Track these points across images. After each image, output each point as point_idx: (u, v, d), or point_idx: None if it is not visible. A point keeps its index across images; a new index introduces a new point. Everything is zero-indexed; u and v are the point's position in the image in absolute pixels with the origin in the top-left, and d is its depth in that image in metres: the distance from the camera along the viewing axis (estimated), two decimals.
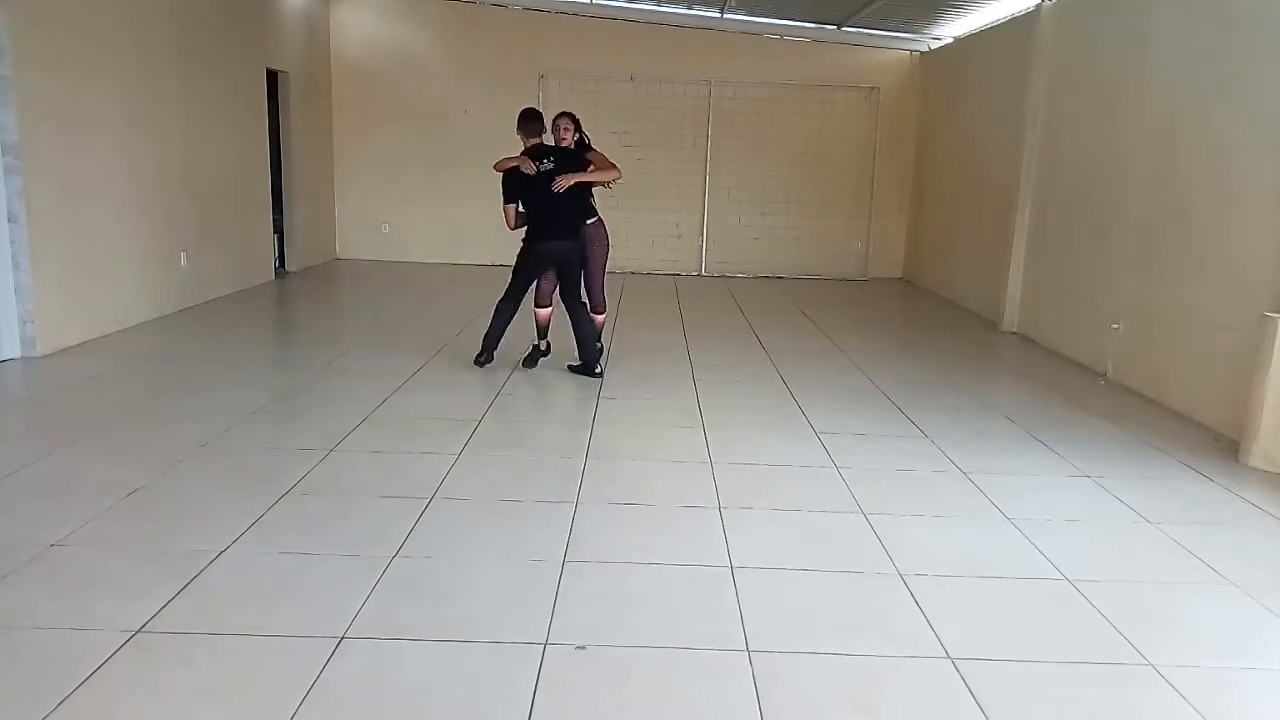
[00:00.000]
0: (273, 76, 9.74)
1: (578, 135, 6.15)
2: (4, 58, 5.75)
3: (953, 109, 10.79)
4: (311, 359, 6.54)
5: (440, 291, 9.89)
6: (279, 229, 10.22)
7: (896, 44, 11.63)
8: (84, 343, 6.54)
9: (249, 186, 9.22)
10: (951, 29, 10.80)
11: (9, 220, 5.90)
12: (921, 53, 11.70)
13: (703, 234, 12.00)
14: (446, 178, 11.65)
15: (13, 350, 6.01)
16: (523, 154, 6.04)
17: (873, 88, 11.71)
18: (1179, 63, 6.21)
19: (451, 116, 11.53)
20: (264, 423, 4.98)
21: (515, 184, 6.01)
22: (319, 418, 5.07)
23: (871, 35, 11.46)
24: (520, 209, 6.11)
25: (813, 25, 11.39)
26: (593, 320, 6.26)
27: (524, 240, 6.17)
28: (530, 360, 6.42)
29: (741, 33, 11.48)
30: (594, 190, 6.24)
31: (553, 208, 5.97)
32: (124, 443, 4.53)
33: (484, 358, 6.29)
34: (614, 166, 6.08)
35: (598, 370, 6.17)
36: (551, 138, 6.14)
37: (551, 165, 5.94)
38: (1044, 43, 8.19)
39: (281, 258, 10.36)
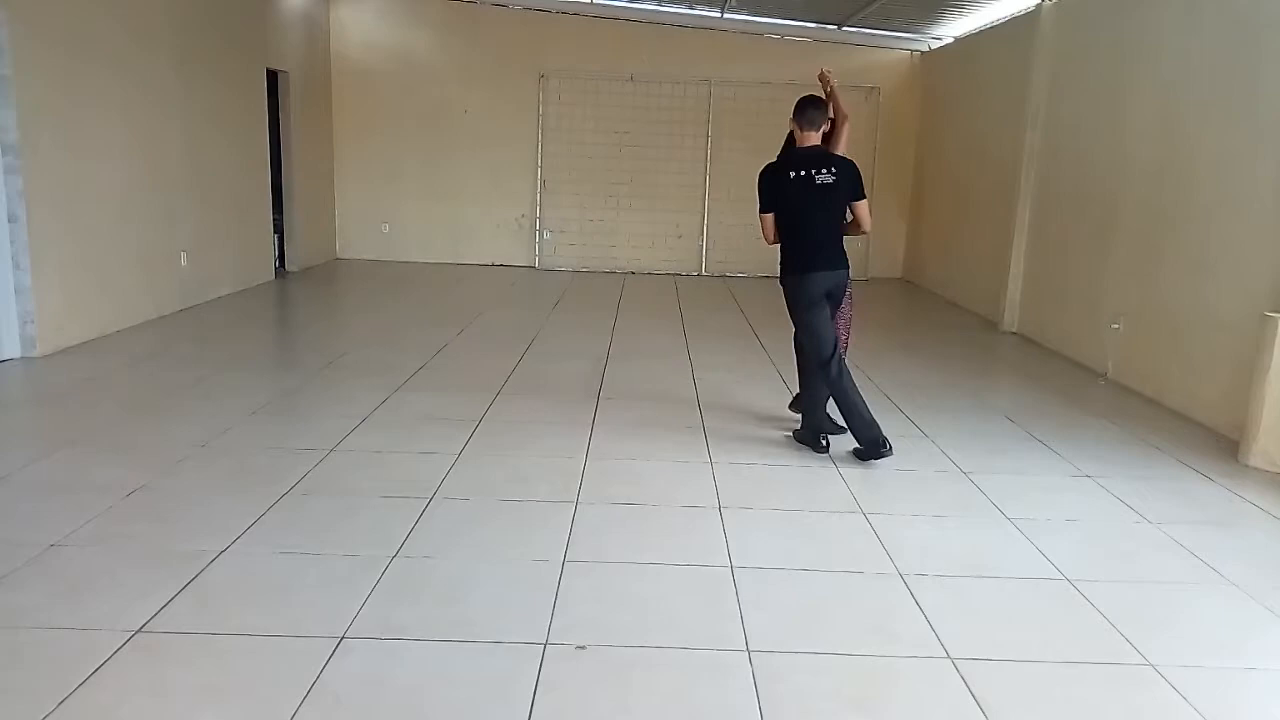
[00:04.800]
0: (273, 76, 9.74)
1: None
2: (4, 58, 5.74)
3: (953, 109, 10.79)
4: (311, 359, 6.53)
5: (440, 291, 9.88)
6: (279, 229, 10.22)
7: (897, 44, 11.63)
8: (84, 343, 6.54)
9: (249, 186, 9.22)
10: (952, 29, 10.80)
11: (9, 220, 5.90)
12: (922, 53, 11.69)
13: (703, 234, 11.99)
14: (446, 178, 11.66)
15: (13, 350, 6.01)
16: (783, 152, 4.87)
17: (873, 88, 11.70)
18: (1179, 63, 6.21)
19: (451, 116, 11.53)
20: (264, 423, 4.98)
21: (774, 189, 4.75)
22: (319, 418, 5.07)
23: (872, 35, 11.46)
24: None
25: (813, 25, 11.39)
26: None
27: (784, 273, 4.79)
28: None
29: (742, 33, 11.48)
30: None
31: (824, 226, 4.74)
32: (124, 443, 4.53)
33: (824, 441, 4.84)
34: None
35: (885, 446, 4.62)
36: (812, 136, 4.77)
37: (833, 178, 4.66)
38: (1044, 42, 8.19)
39: (281, 258, 10.36)
